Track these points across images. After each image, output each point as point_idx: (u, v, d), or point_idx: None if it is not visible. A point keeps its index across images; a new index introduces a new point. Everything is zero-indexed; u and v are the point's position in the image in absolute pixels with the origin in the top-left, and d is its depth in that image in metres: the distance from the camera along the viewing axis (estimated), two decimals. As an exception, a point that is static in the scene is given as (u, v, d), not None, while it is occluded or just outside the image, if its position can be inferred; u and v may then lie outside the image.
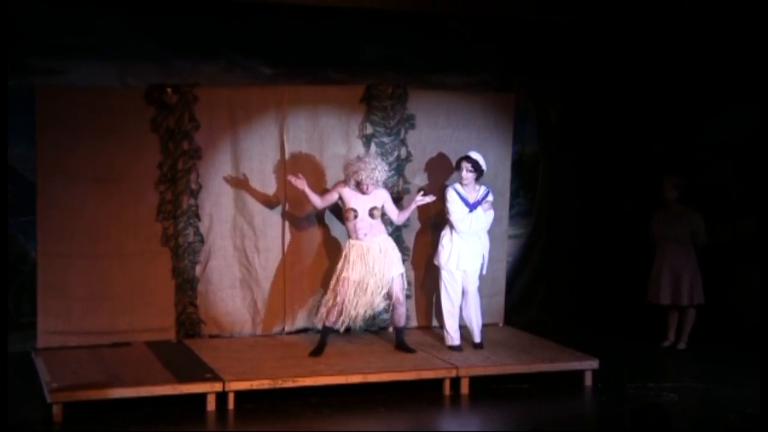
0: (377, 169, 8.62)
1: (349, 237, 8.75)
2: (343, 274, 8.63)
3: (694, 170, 10.43)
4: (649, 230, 10.00)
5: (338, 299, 8.61)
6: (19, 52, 9.12)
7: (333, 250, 9.27)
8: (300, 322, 9.37)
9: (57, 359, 8.24)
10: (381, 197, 8.78)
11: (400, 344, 8.82)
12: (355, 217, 8.65)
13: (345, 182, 8.75)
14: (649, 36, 10.83)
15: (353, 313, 8.66)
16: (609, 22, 10.74)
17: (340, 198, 8.75)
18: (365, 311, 8.70)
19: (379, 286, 8.66)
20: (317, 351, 8.59)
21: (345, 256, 8.72)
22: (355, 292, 8.61)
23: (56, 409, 7.35)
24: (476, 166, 8.84)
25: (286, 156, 9.22)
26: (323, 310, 8.73)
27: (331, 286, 8.74)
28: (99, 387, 7.57)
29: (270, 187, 9.22)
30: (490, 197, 8.98)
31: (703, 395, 8.40)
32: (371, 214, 8.68)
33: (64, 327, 8.67)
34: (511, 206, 10.18)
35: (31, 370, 8.18)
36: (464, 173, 8.86)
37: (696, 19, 10.28)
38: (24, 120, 8.68)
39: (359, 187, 8.65)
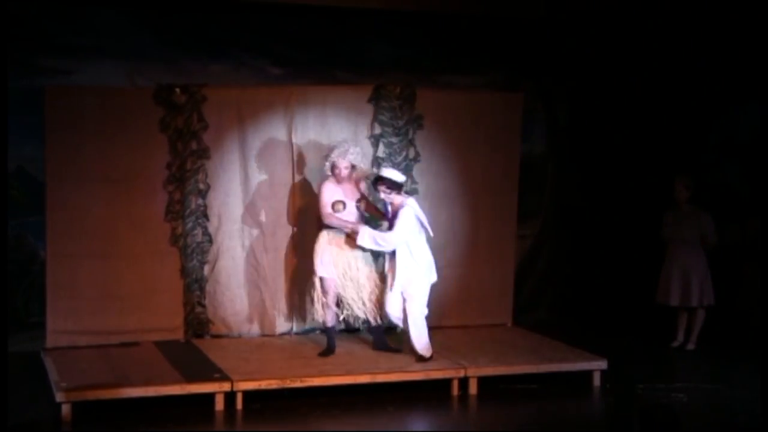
0: (349, 151, 8.43)
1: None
2: (327, 277, 8.48)
3: (702, 171, 10.40)
4: (659, 231, 9.97)
5: (329, 301, 8.54)
6: (28, 52, 9.16)
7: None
8: (308, 322, 9.37)
9: (66, 359, 8.26)
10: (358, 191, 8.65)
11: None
12: (344, 208, 8.42)
13: (326, 179, 8.55)
14: (657, 36, 10.81)
15: (347, 310, 8.61)
16: (617, 22, 10.72)
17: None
18: (362, 310, 8.62)
19: (367, 281, 8.58)
20: (327, 352, 8.57)
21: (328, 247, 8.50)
22: (349, 293, 8.55)
23: (65, 409, 7.36)
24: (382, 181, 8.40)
25: (294, 156, 9.23)
26: (318, 307, 8.63)
27: (317, 283, 8.57)
28: (108, 387, 7.58)
29: (277, 187, 9.22)
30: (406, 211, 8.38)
31: (712, 396, 8.37)
32: (357, 207, 8.56)
33: (73, 327, 8.69)
34: (519, 206, 10.16)
35: (41, 369, 8.20)
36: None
37: (704, 20, 10.26)
38: (33, 120, 8.72)
39: (335, 173, 8.45)
